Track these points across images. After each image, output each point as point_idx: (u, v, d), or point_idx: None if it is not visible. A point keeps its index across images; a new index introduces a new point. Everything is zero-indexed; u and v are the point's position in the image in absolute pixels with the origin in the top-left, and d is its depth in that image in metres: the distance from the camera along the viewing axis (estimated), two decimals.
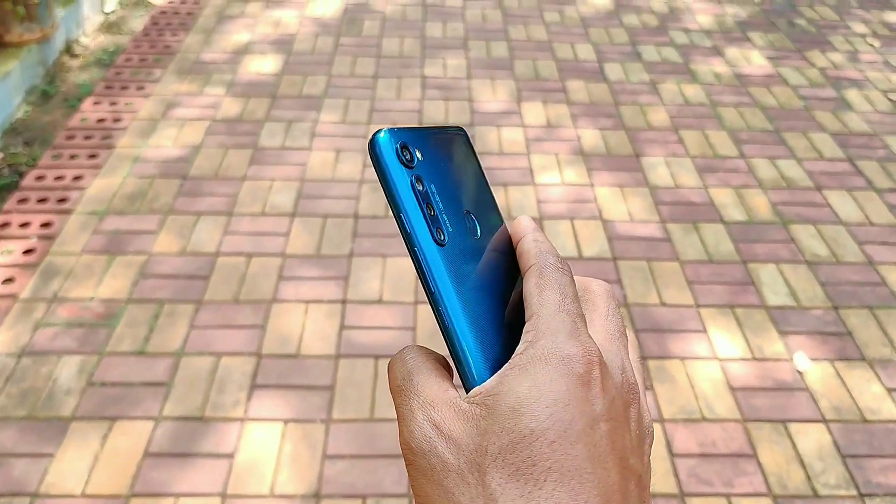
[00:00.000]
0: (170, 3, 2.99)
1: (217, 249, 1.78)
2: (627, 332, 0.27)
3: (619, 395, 0.23)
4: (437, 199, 0.26)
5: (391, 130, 0.26)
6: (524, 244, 0.27)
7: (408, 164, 0.26)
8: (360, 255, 1.78)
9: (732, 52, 2.75)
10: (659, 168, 2.10)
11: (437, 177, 0.27)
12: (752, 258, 1.80)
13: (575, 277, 0.27)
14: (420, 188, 0.26)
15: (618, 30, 2.87)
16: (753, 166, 2.13)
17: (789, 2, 3.16)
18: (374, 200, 1.94)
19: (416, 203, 0.25)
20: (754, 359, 1.54)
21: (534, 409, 0.21)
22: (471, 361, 0.24)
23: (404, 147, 0.26)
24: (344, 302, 1.65)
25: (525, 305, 0.25)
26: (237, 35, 2.75)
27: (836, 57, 2.73)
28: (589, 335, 0.24)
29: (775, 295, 1.70)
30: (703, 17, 3.00)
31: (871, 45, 2.83)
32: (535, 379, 0.22)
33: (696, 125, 2.30)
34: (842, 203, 2.00)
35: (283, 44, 2.70)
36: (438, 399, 0.23)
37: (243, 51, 2.65)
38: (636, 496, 0.22)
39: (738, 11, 3.08)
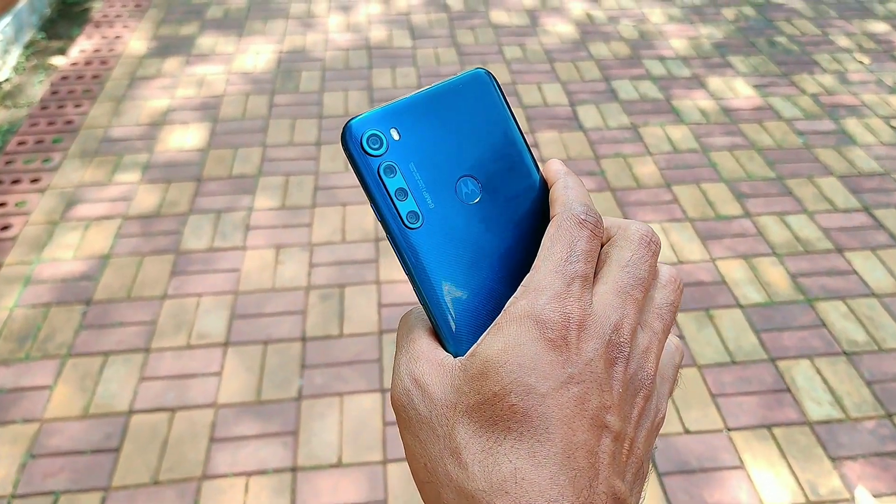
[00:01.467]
0: (72, 65, 2.59)
1: (130, 405, 1.41)
2: (665, 271, 0.26)
3: (599, 355, 0.23)
4: (417, 177, 0.27)
5: (362, 119, 0.27)
6: (554, 191, 0.27)
7: (374, 153, 0.27)
8: (310, 395, 1.43)
9: (715, 81, 2.49)
10: None
11: (419, 151, 0.27)
12: (780, 353, 1.52)
13: (615, 220, 0.27)
14: (390, 175, 0.27)
15: (587, 63, 2.59)
16: (762, 227, 1.86)
17: (765, 17, 2.94)
18: (324, 312, 1.59)
19: (384, 192, 0.26)
20: (809, 503, 1.26)
21: (499, 373, 0.22)
22: (445, 334, 0.26)
23: (373, 136, 0.27)
24: (294, 470, 1.31)
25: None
26: (153, 101, 2.37)
27: (826, 79, 2.51)
28: (582, 296, 0.24)
29: (817, 405, 1.42)
30: (678, 42, 2.75)
31: (861, 63, 2.62)
32: (506, 341, 0.23)
33: (690, 177, 2.03)
34: (868, 268, 1.73)
35: (208, 108, 2.33)
36: (423, 355, 0.25)
37: (161, 121, 2.27)
38: (610, 451, 0.23)
39: (712, 32, 2.84)
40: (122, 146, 2.15)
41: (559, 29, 2.82)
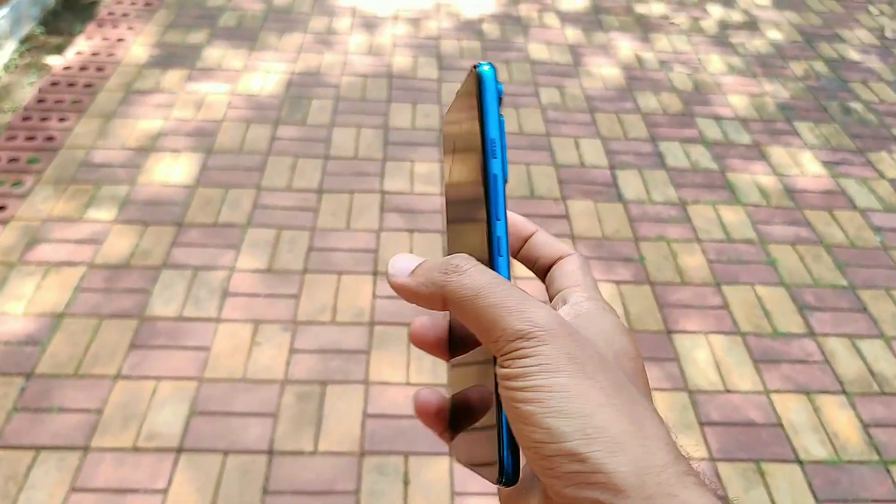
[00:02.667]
0: (66, 69, 2.37)
1: None
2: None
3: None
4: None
5: (491, 67, 0.28)
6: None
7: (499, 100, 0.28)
8: None
9: (778, 152, 2.18)
10: (698, 355, 1.52)
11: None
12: None
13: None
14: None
15: (632, 117, 2.29)
16: (829, 352, 1.56)
17: (839, 77, 2.61)
18: (299, 417, 1.33)
19: (500, 138, 0.28)
20: None
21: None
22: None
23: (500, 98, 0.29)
24: None
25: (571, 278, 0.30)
26: (145, 121, 2.13)
27: None
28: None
29: None
30: (737, 99, 2.44)
31: None
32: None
33: (745, 276, 1.73)
34: None
35: (203, 136, 2.08)
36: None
37: (150, 146, 2.03)
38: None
39: (777, 90, 2.52)
40: (103, 174, 1.92)
41: (604, 71, 2.53)
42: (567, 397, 0.23)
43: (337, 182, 1.94)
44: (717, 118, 2.32)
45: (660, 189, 1.99)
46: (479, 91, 0.29)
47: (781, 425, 1.39)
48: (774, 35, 2.86)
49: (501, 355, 0.24)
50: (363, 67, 2.46)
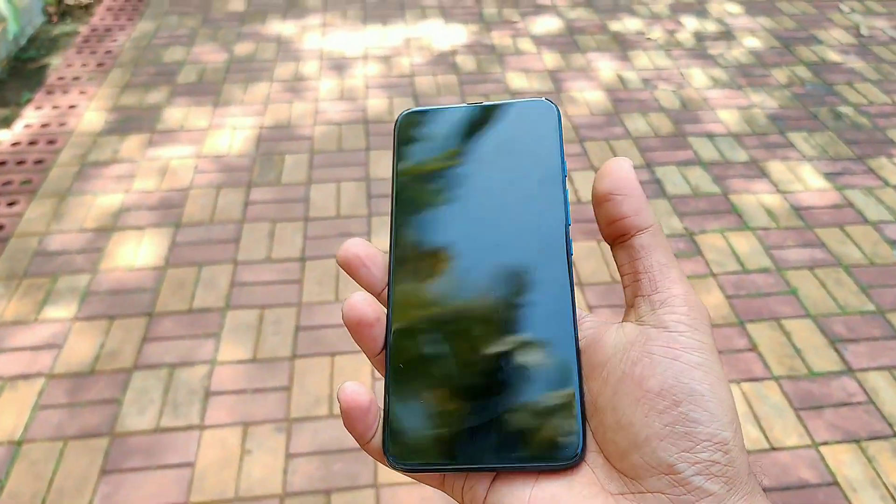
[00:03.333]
0: (13, 145, 2.19)
1: None
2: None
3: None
4: None
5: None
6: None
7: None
8: None
9: (777, 168, 2.09)
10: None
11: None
12: None
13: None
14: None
15: (624, 143, 2.19)
16: (871, 390, 1.44)
17: (823, 81, 2.55)
18: None
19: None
20: None
21: None
22: None
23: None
24: None
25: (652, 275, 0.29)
26: (104, 196, 1.97)
27: None
28: None
29: None
30: (726, 114, 2.36)
31: None
32: None
33: (767, 311, 1.61)
34: None
35: (169, 207, 1.92)
36: None
37: (110, 225, 1.87)
38: None
39: (765, 100, 2.45)
40: (59, 263, 1.75)
41: (588, 96, 2.43)
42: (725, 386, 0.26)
43: (320, 247, 1.79)
44: (710, 136, 2.23)
45: (664, 220, 1.88)
46: (558, 127, 0.29)
47: (837, 483, 1.27)
48: (752, 42, 2.81)
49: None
50: (336, 114, 2.32)
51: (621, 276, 0.29)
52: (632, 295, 0.29)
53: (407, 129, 0.31)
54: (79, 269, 1.72)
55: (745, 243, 1.80)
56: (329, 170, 2.06)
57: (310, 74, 2.55)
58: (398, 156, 0.31)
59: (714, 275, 1.70)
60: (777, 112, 2.37)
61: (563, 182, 0.29)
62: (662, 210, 1.91)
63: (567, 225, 0.29)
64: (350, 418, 0.28)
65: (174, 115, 2.31)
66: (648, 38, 2.83)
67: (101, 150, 2.15)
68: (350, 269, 0.30)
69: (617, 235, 0.29)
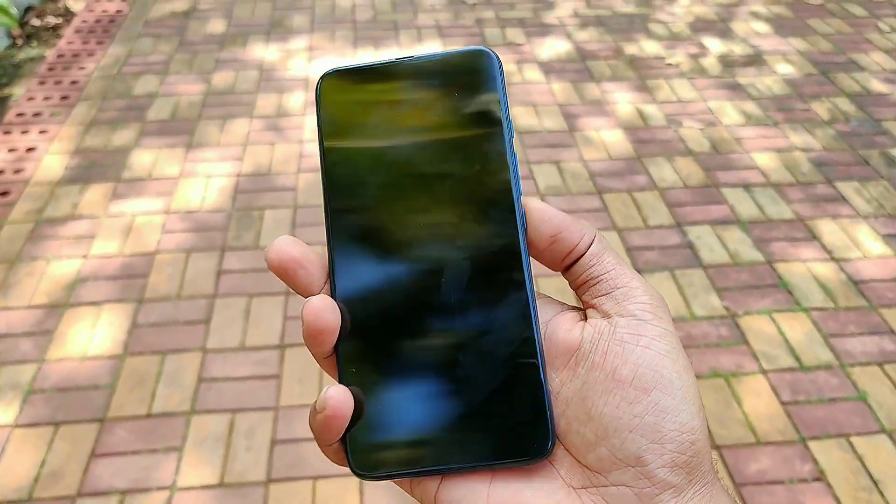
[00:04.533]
0: None
1: None
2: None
3: None
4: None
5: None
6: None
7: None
8: None
9: (829, 228, 1.82)
10: None
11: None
12: None
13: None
14: None
15: (649, 195, 1.94)
16: None
17: (870, 116, 2.27)
18: None
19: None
20: None
21: None
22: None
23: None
24: None
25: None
26: (58, 263, 1.71)
27: None
28: None
29: None
30: (763, 157, 2.10)
31: None
32: None
33: (834, 426, 1.35)
34: None
35: (132, 277, 1.66)
36: None
37: (63, 301, 1.61)
38: None
39: (807, 140, 2.19)
40: (2, 350, 1.51)
41: (605, 136, 2.18)
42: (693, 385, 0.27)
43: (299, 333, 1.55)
44: (747, 186, 1.98)
45: (700, 297, 1.63)
46: (500, 79, 0.27)
47: None
48: (785, 69, 2.55)
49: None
50: None
51: (576, 287, 0.29)
52: (590, 298, 0.28)
53: (331, 95, 0.28)
54: (23, 358, 1.48)
55: (798, 329, 1.56)
56: (314, 230, 1.81)
57: (294, 109, 2.30)
58: (323, 128, 0.28)
59: (764, 372, 1.45)
60: (821, 156, 2.12)
61: (510, 146, 0.28)
62: (698, 284, 1.66)
63: (518, 197, 0.28)
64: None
65: (143, 159, 2.06)
66: (669, 64, 2.58)
67: (60, 203, 1.90)
68: (286, 274, 0.28)
69: (564, 254, 0.29)
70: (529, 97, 2.38)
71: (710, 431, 1.32)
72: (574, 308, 0.29)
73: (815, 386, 1.42)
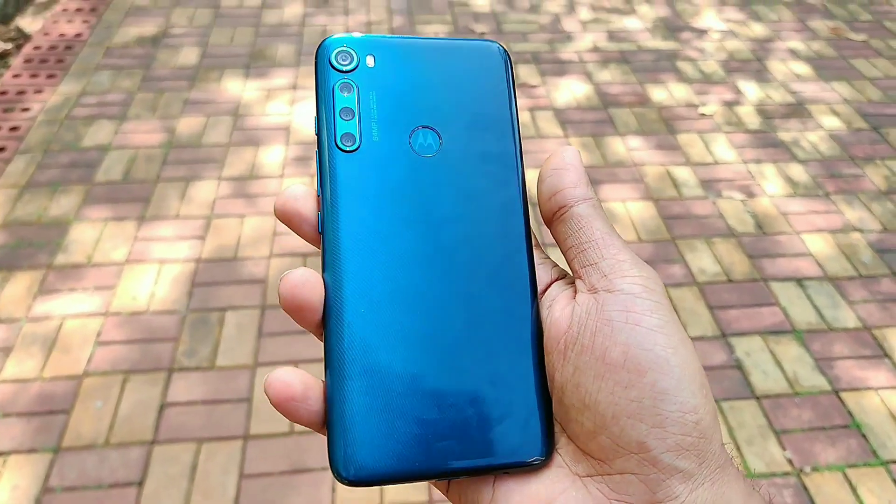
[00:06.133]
0: None
1: None
2: None
3: None
4: (373, 106, 0.26)
5: (344, 36, 0.27)
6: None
7: (339, 67, 0.26)
8: None
9: None
10: None
11: (387, 86, 0.27)
12: None
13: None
14: (344, 93, 0.26)
15: (686, 293, 1.59)
16: None
17: None
18: None
19: (330, 105, 0.26)
20: None
21: None
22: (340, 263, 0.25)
23: (345, 52, 0.26)
24: None
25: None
26: None
27: None
28: None
29: None
30: (816, 240, 1.75)
31: None
32: None
33: None
34: None
35: (50, 414, 1.31)
36: None
37: None
38: None
39: (863, 218, 1.83)
40: None
41: (632, 208, 1.84)
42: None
43: (264, 498, 1.24)
44: (799, 281, 1.67)
45: (757, 443, 1.32)
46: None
47: None
48: (831, 122, 2.24)
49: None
50: (305, 247, 1.75)
51: (564, 251, 0.28)
52: (578, 266, 0.27)
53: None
54: None
55: (880, 494, 1.27)
56: (285, 341, 1.49)
57: (270, 168, 1.97)
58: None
59: None
60: (882, 239, 1.81)
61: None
62: (752, 424, 1.33)
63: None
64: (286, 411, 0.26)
65: (84, 236, 1.73)
66: (703, 114, 2.27)
67: None
68: (291, 223, 0.28)
69: (556, 209, 0.28)
70: (545, 157, 2.07)
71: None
72: (561, 281, 0.28)
73: None
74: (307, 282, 0.25)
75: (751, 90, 2.39)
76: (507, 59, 0.28)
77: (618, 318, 0.24)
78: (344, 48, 0.26)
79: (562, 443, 0.26)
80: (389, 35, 0.27)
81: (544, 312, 0.27)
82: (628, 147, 2.09)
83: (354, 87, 0.26)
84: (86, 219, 1.78)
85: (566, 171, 0.27)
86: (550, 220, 0.28)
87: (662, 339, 0.24)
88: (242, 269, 1.66)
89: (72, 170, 1.94)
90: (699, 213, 1.86)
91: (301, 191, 0.27)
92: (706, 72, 2.48)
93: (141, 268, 1.64)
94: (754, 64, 2.55)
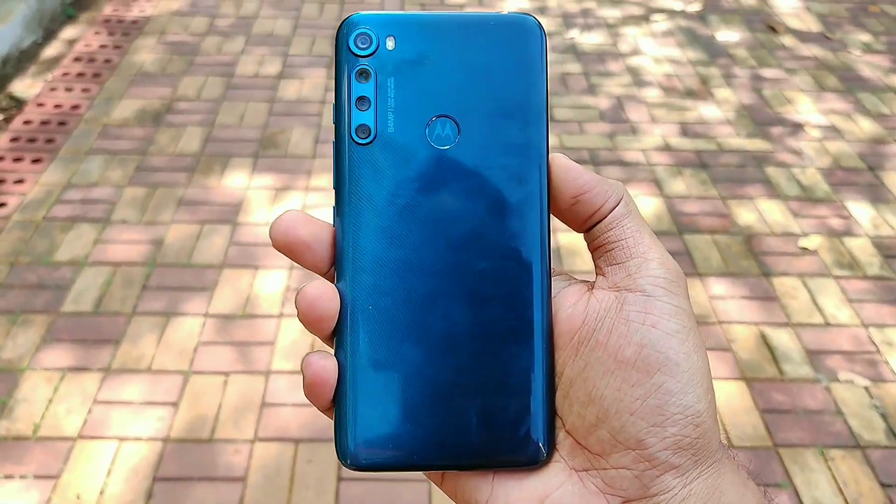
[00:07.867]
0: None
1: None
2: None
3: None
4: (391, 94, 0.26)
5: (365, 15, 0.26)
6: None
7: (358, 52, 0.26)
8: None
9: None
10: None
11: (407, 71, 0.26)
12: None
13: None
14: (361, 81, 0.26)
15: None
16: None
17: None
18: None
19: (344, 95, 0.26)
20: None
21: None
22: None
23: (364, 35, 0.26)
24: None
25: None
26: None
27: None
28: None
29: None
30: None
31: None
32: None
33: None
34: None
35: None
36: None
37: None
38: None
39: None
40: None
41: (721, 396, 1.39)
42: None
43: None
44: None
45: None
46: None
47: None
48: None
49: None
50: (294, 417, 1.34)
51: (592, 250, 0.29)
52: (605, 264, 0.28)
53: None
54: None
55: None
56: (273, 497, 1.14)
57: (267, 304, 1.62)
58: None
59: None
60: None
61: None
62: None
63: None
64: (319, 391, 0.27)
65: (35, 395, 1.38)
66: (803, 248, 1.83)
67: None
68: (292, 255, 0.28)
69: (592, 224, 0.28)
70: None
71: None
72: (581, 281, 0.29)
73: None
74: (323, 294, 0.26)
75: (863, 213, 1.94)
76: (542, 36, 0.27)
77: (636, 318, 0.25)
78: (363, 30, 0.26)
79: (560, 437, 0.27)
80: (414, 12, 0.26)
81: (553, 298, 0.27)
82: (710, 295, 1.66)
83: (372, 72, 0.26)
84: (41, 367, 1.45)
85: (590, 193, 0.27)
86: (582, 226, 0.28)
87: (677, 344, 0.25)
88: (219, 458, 1.30)
89: (38, 293, 1.63)
90: (808, 406, 1.43)
91: (298, 216, 0.27)
92: (805, 184, 2.05)
93: (95, 447, 1.31)
94: (866, 175, 2.10)
